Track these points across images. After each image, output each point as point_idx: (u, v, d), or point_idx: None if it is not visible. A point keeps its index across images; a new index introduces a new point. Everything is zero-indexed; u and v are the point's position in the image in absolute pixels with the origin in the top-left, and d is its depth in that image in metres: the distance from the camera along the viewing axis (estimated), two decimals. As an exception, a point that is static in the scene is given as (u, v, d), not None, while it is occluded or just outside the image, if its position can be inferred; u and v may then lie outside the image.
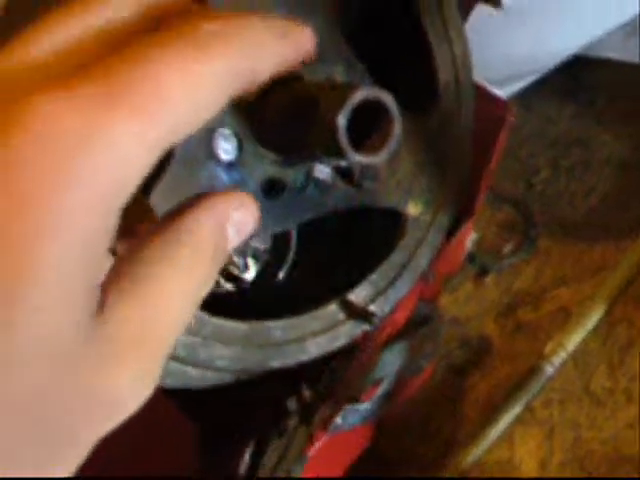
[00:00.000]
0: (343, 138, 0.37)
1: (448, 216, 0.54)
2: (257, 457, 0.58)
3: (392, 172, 0.48)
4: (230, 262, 0.53)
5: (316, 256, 0.55)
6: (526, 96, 0.99)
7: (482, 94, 0.60)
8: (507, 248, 0.93)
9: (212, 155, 0.44)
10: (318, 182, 0.47)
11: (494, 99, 0.60)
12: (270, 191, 0.46)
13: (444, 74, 0.51)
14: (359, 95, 0.37)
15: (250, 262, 0.53)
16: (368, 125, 0.38)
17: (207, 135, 0.44)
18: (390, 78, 0.51)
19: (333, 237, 0.53)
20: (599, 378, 0.87)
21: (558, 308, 0.90)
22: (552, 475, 0.82)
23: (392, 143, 0.38)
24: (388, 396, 0.75)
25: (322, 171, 0.47)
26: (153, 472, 0.53)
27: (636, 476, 0.82)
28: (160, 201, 0.42)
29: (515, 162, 0.99)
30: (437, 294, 0.71)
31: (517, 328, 0.89)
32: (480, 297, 0.90)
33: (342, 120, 0.37)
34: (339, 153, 0.38)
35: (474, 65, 0.76)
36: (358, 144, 0.38)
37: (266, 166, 0.45)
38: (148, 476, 0.53)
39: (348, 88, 0.37)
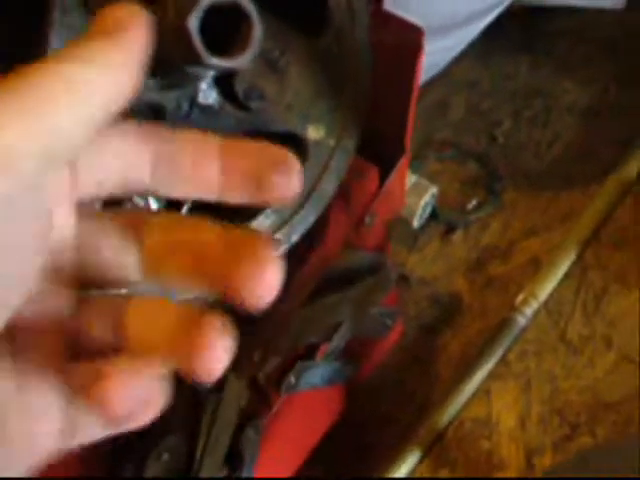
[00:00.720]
0: (196, 41, 0.36)
1: (353, 139, 0.52)
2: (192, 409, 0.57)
3: (282, 92, 0.47)
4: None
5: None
6: (482, 51, 0.98)
7: (395, 23, 0.58)
8: (472, 203, 0.91)
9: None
10: (204, 108, 0.45)
11: (409, 26, 0.58)
12: (153, 118, 0.45)
13: (334, -7, 0.50)
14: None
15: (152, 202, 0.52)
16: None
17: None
18: (280, 2, 0.49)
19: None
20: (575, 326, 0.84)
21: (528, 259, 0.88)
22: (532, 427, 0.79)
23: (252, 45, 0.37)
24: (352, 356, 0.73)
25: (207, 96, 0.45)
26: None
27: (619, 423, 0.79)
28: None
29: (476, 117, 0.97)
30: (383, 242, 0.69)
31: (487, 283, 0.87)
32: (448, 254, 0.88)
33: (194, 22, 0.36)
34: (197, 59, 0.36)
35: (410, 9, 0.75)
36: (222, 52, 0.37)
37: (146, 92, 0.44)
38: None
39: None
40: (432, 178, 0.90)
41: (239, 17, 0.37)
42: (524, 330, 0.84)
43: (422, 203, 0.84)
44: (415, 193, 0.85)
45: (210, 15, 0.37)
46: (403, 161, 0.63)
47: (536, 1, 0.93)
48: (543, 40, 1.01)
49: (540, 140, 0.95)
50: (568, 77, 0.99)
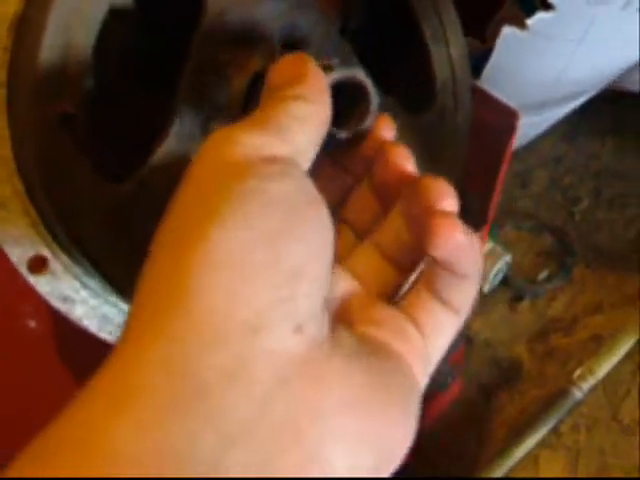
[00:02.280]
0: None
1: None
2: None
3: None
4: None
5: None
6: (570, 129, 1.01)
7: (493, 104, 0.62)
8: (543, 275, 0.94)
9: (207, 133, 0.47)
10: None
11: (504, 108, 0.62)
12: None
13: (441, 74, 0.54)
14: (335, 76, 0.39)
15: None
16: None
17: (203, 118, 0.47)
18: (389, 78, 0.54)
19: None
20: (628, 406, 0.87)
21: (590, 335, 0.91)
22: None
23: (369, 117, 0.40)
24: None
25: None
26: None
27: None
28: (157, 172, 0.46)
29: (557, 192, 1.00)
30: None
31: (548, 353, 0.90)
32: (513, 321, 0.91)
33: None
34: None
35: (506, 90, 0.79)
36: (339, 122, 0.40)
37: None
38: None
39: (325, 69, 0.40)
40: (508, 246, 0.93)
41: (355, 90, 0.40)
42: (579, 404, 0.86)
43: (495, 270, 0.88)
44: (489, 259, 0.88)
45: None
46: (483, 231, 0.67)
47: (626, 87, 0.96)
48: (630, 124, 1.04)
49: (616, 221, 0.98)
50: (651, 163, 1.02)
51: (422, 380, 0.34)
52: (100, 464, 0.24)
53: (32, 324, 0.62)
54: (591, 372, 0.87)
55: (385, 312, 0.35)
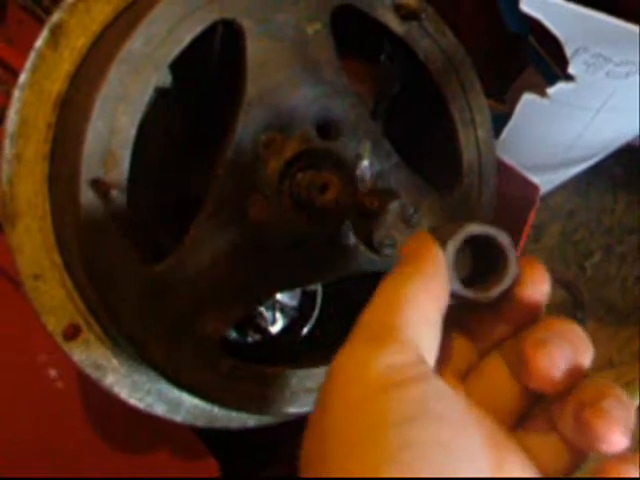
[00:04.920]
0: (451, 272, 0.38)
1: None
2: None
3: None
4: (260, 315, 0.58)
5: (339, 314, 0.59)
6: (583, 183, 1.02)
7: (516, 177, 0.64)
8: (554, 329, 0.95)
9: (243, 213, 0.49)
10: (342, 246, 0.51)
11: (526, 182, 0.63)
12: (293, 247, 0.51)
13: (468, 155, 0.55)
14: (470, 230, 0.38)
15: (278, 316, 0.58)
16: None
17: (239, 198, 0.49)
18: (417, 158, 0.55)
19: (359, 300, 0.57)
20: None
21: (600, 391, 0.92)
22: None
23: (506, 282, 0.38)
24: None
25: (347, 236, 0.51)
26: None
27: None
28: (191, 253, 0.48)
29: (569, 246, 1.01)
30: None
31: (558, 408, 0.91)
32: (524, 374, 0.92)
33: (450, 252, 0.37)
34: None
35: (523, 151, 0.80)
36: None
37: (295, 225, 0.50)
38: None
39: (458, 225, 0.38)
40: (519, 299, 0.95)
41: (491, 250, 0.39)
42: (589, 460, 0.87)
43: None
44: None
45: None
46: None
47: (638, 142, 0.97)
48: (643, 181, 1.06)
49: (628, 276, 0.99)
50: (662, 220, 1.03)
51: None
52: None
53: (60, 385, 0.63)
54: (601, 428, 0.88)
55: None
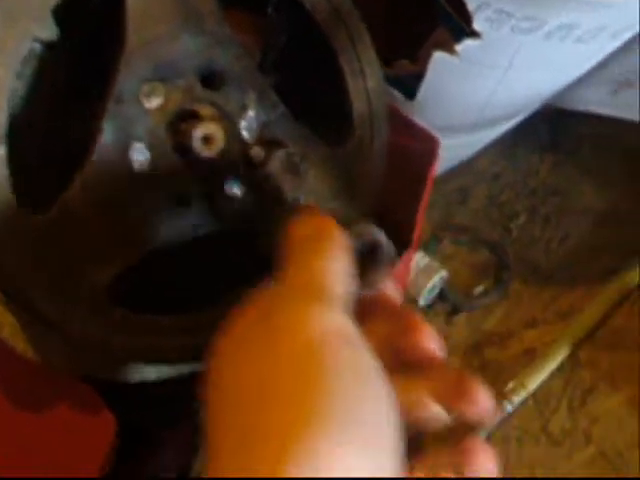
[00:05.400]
0: None
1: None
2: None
3: (297, 192, 0.52)
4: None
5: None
6: (508, 145, 1.04)
7: (417, 130, 0.64)
8: (479, 289, 0.97)
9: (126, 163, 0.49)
10: (228, 197, 0.52)
11: (425, 134, 0.64)
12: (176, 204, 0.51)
13: (358, 106, 0.56)
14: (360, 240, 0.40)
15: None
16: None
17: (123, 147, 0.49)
18: (307, 110, 0.56)
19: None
20: (558, 419, 0.89)
21: (524, 350, 0.93)
22: (504, 509, 0.84)
23: (382, 277, 0.41)
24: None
25: (232, 187, 0.52)
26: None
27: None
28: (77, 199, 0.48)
29: (494, 208, 1.02)
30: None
31: (482, 366, 0.92)
32: (449, 335, 0.94)
33: None
34: None
35: (437, 112, 0.81)
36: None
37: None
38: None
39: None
40: (445, 260, 0.96)
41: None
42: (510, 416, 0.89)
43: (430, 284, 0.90)
44: (425, 274, 0.90)
45: None
46: (408, 254, 0.69)
47: (565, 105, 0.98)
48: (568, 142, 1.07)
49: (551, 237, 1.01)
50: (587, 181, 1.05)
51: None
52: None
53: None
54: (523, 385, 0.90)
55: None
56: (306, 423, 0.30)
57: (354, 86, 0.56)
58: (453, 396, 0.38)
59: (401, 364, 0.38)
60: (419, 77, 0.78)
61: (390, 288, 0.42)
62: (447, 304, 0.95)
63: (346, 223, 0.40)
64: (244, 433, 0.31)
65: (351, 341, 0.34)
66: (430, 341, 0.39)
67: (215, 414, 0.33)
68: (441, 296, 0.95)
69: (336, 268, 0.37)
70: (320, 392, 0.31)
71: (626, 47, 0.82)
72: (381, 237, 0.40)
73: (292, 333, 0.33)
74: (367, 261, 0.41)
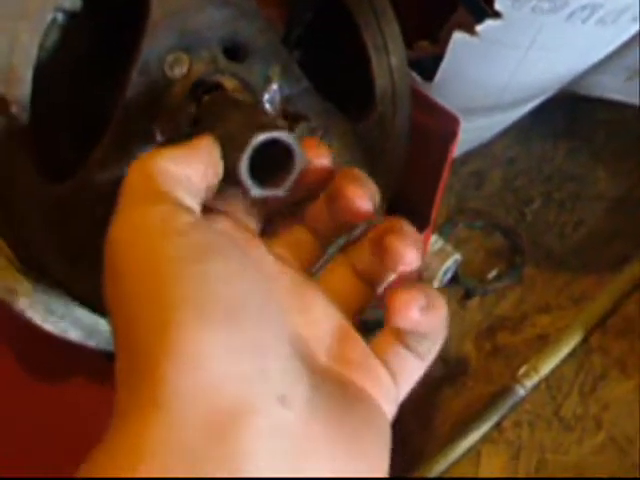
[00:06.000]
0: (245, 178, 0.39)
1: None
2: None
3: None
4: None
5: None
6: (524, 131, 1.03)
7: (435, 109, 0.64)
8: (493, 273, 0.96)
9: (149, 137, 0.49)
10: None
11: (446, 113, 0.64)
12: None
13: (381, 82, 0.56)
14: (259, 139, 0.39)
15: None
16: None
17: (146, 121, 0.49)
18: (330, 85, 0.55)
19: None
20: (570, 404, 0.89)
21: (536, 335, 0.93)
22: (514, 494, 0.84)
23: (292, 177, 0.40)
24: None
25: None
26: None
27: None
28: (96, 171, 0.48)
29: (509, 193, 1.02)
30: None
31: (494, 351, 0.92)
32: (462, 318, 0.94)
33: (245, 162, 0.39)
34: (243, 189, 0.40)
35: (457, 94, 0.81)
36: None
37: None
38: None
39: (251, 131, 0.39)
40: (459, 244, 0.96)
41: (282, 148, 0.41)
42: (522, 400, 0.89)
43: (444, 268, 0.90)
44: (439, 257, 0.90)
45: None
46: (427, 233, 0.69)
47: (581, 91, 0.98)
48: (584, 129, 1.06)
49: (566, 223, 1.00)
50: (602, 167, 1.04)
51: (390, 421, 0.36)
52: None
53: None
54: (535, 370, 0.89)
55: (361, 352, 0.37)
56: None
57: (377, 62, 0.56)
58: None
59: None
60: (438, 59, 0.78)
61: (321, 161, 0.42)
62: (460, 288, 0.95)
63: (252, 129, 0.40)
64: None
65: (177, 226, 0.34)
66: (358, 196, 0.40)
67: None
68: (455, 280, 0.94)
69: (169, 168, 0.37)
70: (157, 281, 0.32)
71: (641, 34, 0.82)
72: (289, 139, 0.40)
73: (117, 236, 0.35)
74: (278, 165, 0.41)
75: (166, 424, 0.28)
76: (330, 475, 0.30)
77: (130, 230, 0.34)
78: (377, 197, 0.40)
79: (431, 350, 0.38)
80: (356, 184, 0.40)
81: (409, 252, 0.37)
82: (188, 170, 0.37)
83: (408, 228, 0.38)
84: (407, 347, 0.37)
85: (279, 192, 0.40)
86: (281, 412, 0.30)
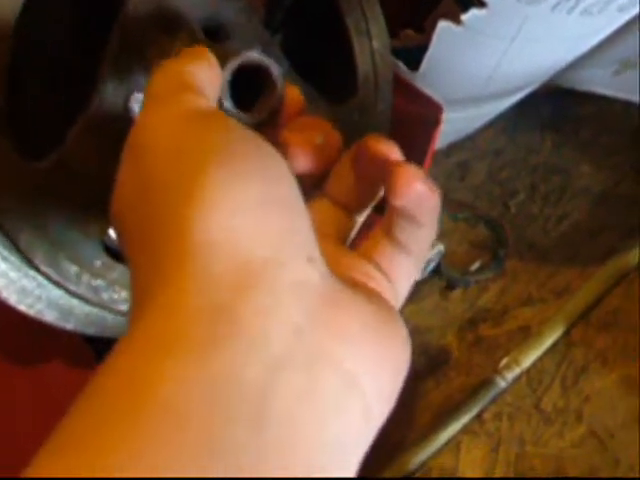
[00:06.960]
0: (226, 99, 0.40)
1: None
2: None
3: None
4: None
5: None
6: (510, 122, 1.03)
7: (418, 96, 0.64)
8: (476, 265, 0.96)
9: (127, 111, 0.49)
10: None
11: (430, 102, 0.63)
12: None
13: (363, 66, 0.55)
14: (239, 60, 0.40)
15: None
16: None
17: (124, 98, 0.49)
18: (312, 69, 0.55)
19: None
20: (551, 396, 0.89)
21: (518, 327, 0.93)
22: (493, 485, 0.84)
23: (273, 103, 0.41)
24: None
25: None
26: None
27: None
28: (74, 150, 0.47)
29: (494, 185, 1.02)
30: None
31: (476, 342, 0.92)
32: (444, 309, 0.93)
33: (224, 84, 0.40)
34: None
35: (442, 83, 0.80)
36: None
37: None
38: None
39: (230, 54, 0.41)
40: (443, 235, 0.95)
41: (263, 74, 0.42)
42: (503, 392, 0.88)
43: (427, 258, 0.90)
44: (422, 248, 0.90)
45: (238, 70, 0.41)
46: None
47: (568, 84, 0.98)
48: (571, 122, 1.06)
49: (550, 216, 1.00)
50: (588, 161, 1.04)
51: None
52: (149, 413, 0.25)
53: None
54: (517, 362, 0.89)
55: (352, 258, 0.37)
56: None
57: (359, 46, 0.55)
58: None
59: None
60: (424, 48, 0.78)
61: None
62: (443, 279, 0.95)
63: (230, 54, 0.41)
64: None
65: (220, 117, 0.35)
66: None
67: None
68: (437, 271, 0.94)
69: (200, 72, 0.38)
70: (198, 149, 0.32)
71: (629, 27, 0.82)
72: (268, 62, 0.41)
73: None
74: (257, 88, 0.42)
75: (196, 277, 0.28)
76: (361, 333, 0.30)
77: (158, 116, 0.34)
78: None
79: (422, 246, 0.38)
80: (381, 139, 0.40)
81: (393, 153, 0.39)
82: (202, 68, 0.38)
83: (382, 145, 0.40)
84: (398, 245, 0.37)
85: (259, 119, 0.40)
86: (308, 270, 0.30)
